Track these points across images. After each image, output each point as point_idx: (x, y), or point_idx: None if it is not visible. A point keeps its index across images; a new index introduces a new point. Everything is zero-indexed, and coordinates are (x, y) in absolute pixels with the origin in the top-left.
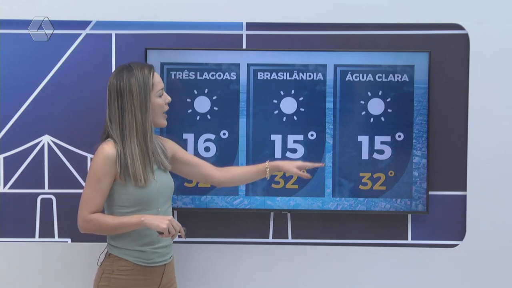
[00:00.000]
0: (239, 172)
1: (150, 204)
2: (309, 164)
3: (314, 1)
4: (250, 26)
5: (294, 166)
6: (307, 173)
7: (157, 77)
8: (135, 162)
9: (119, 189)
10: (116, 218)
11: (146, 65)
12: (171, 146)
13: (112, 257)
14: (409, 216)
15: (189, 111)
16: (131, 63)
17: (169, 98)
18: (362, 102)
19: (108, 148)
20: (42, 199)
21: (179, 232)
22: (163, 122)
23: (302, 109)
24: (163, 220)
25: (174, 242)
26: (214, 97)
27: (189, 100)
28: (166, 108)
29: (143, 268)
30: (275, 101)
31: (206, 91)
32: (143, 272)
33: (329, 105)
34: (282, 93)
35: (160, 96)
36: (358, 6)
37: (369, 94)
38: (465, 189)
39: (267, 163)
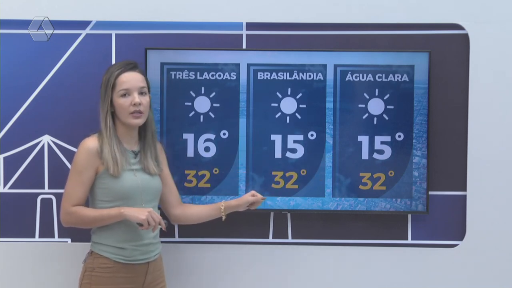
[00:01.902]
0: (195, 210)
1: (131, 200)
2: (259, 197)
3: (314, 1)
4: (250, 26)
5: (247, 196)
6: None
7: (124, 77)
8: (107, 152)
9: (100, 183)
10: (97, 210)
11: (122, 64)
12: (161, 158)
13: (94, 255)
14: (409, 216)
15: (189, 111)
16: (123, 60)
17: (136, 100)
18: (362, 102)
19: (89, 142)
20: (42, 199)
21: (159, 224)
22: (131, 122)
23: (302, 109)
24: (142, 212)
25: (174, 241)
26: (214, 97)
27: (189, 100)
28: (132, 109)
29: (124, 265)
30: (275, 101)
31: (206, 91)
32: (125, 270)
33: (329, 105)
34: (282, 93)
35: (123, 96)
36: (358, 6)
37: (369, 94)
38: (465, 189)
39: (223, 202)
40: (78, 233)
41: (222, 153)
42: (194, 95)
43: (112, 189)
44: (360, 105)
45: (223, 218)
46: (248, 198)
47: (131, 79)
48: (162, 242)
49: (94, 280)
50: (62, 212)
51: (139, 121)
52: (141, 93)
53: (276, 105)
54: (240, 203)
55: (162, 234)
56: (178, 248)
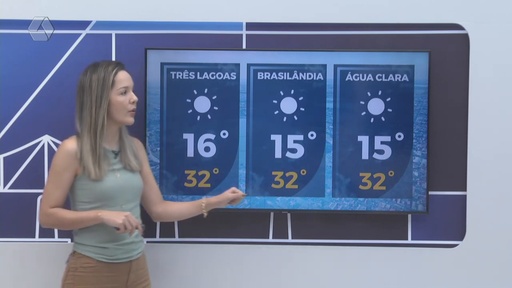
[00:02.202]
0: (176, 208)
1: (112, 201)
2: (240, 193)
3: (314, 1)
4: (250, 26)
5: (228, 193)
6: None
7: (121, 75)
8: (87, 156)
9: (80, 184)
10: (75, 213)
11: (113, 63)
12: (141, 155)
13: (76, 255)
14: (409, 216)
15: (189, 111)
16: (103, 60)
17: (134, 98)
18: (362, 102)
19: (69, 144)
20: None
21: (137, 228)
22: (128, 120)
23: (302, 109)
24: (120, 216)
25: (174, 241)
26: (214, 97)
27: (189, 100)
28: (131, 107)
29: (107, 264)
30: (275, 101)
31: (206, 91)
32: (107, 269)
33: (329, 105)
34: (282, 93)
35: (123, 94)
36: (358, 6)
37: (369, 94)
38: (465, 189)
39: (204, 199)
40: None
41: (222, 153)
42: (194, 95)
43: (93, 191)
44: (360, 105)
45: (205, 215)
46: (229, 195)
47: (127, 77)
48: (162, 242)
49: (77, 280)
50: (41, 214)
51: (133, 120)
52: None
53: (276, 105)
54: (221, 200)
55: (162, 234)
56: (178, 248)
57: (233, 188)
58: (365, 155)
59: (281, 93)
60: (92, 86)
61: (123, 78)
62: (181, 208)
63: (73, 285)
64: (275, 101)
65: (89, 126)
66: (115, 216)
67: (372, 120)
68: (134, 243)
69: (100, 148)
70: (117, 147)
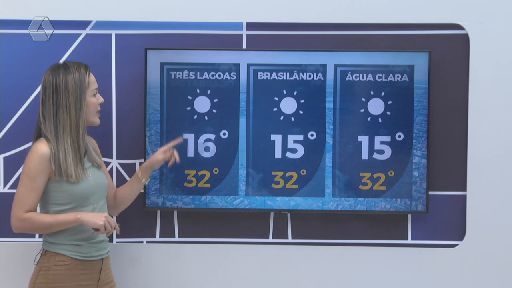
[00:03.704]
0: (120, 193)
1: (86, 201)
2: (170, 144)
3: (314, 1)
4: (250, 26)
5: (158, 154)
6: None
7: (92, 77)
8: (67, 158)
9: (55, 187)
10: (51, 216)
11: (82, 64)
12: (99, 152)
13: (48, 254)
14: (409, 216)
15: (189, 111)
16: (67, 61)
17: (101, 99)
18: (362, 102)
19: (42, 147)
20: None
21: (114, 228)
22: (97, 121)
23: (302, 109)
24: (100, 217)
25: (173, 241)
26: (214, 97)
27: (189, 100)
28: (99, 108)
29: (81, 262)
30: (275, 101)
31: (206, 91)
32: (82, 266)
33: (329, 105)
34: (282, 93)
35: (94, 95)
36: (358, 6)
37: (369, 94)
38: (465, 189)
39: (138, 169)
40: None
41: (222, 153)
42: (194, 95)
43: (69, 193)
44: (360, 105)
45: (146, 182)
46: (159, 156)
47: (95, 78)
48: (162, 242)
49: (51, 279)
50: (14, 219)
51: (99, 121)
52: None
53: (276, 105)
54: (153, 161)
55: (162, 234)
56: (178, 248)
57: (163, 149)
58: (365, 155)
59: (281, 93)
60: (69, 87)
61: (94, 79)
62: (123, 190)
63: (46, 285)
64: (275, 101)
65: (69, 127)
66: (95, 218)
67: (372, 120)
68: (104, 241)
69: (82, 149)
70: (83, 147)
